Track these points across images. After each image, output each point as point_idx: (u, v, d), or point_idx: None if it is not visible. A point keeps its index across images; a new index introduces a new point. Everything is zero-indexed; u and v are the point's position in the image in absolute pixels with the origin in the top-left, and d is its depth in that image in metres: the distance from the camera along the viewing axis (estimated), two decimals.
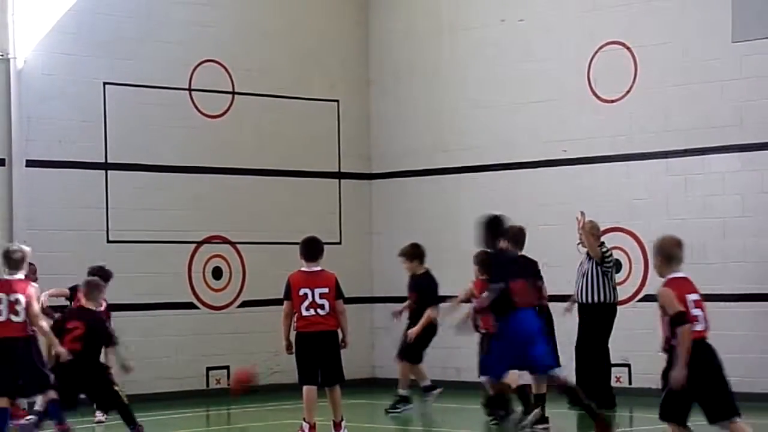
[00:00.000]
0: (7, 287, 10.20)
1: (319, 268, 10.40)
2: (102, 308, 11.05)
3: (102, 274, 11.49)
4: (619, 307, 13.15)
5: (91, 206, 14.08)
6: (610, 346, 12.98)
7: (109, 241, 13.99)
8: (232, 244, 14.99)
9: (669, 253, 8.30)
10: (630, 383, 13.89)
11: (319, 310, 10.22)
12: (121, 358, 10.53)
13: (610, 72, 14.20)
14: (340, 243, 15.70)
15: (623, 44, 14.12)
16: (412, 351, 12.65)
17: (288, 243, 15.43)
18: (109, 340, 10.54)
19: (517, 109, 14.97)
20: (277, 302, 15.19)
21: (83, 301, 10.65)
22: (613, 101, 14.21)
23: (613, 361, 13.20)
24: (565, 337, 13.06)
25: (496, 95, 15.16)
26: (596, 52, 14.32)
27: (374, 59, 16.33)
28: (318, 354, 10.29)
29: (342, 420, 10.43)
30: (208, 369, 14.69)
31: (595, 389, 12.80)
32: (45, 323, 10.25)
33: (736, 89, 13.30)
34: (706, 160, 13.50)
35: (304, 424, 10.36)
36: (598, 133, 14.28)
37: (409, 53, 16.01)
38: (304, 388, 10.35)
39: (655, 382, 13.71)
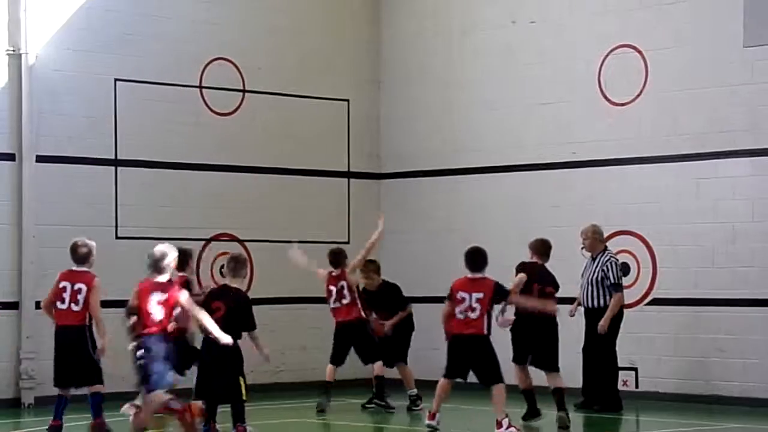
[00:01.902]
0: (73, 277, 10.49)
1: (480, 276, 10.82)
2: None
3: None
4: (626, 311, 13.14)
5: (100, 202, 14.09)
6: (617, 349, 12.97)
7: (117, 237, 14.01)
8: (241, 242, 15.00)
9: None
10: (637, 386, 13.87)
11: (470, 313, 10.70)
12: (258, 345, 10.14)
13: (621, 75, 14.18)
14: (348, 242, 15.68)
15: (634, 47, 14.10)
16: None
17: (296, 242, 15.45)
18: (249, 323, 10.11)
19: (528, 111, 14.96)
20: (285, 300, 15.32)
21: (227, 280, 10.41)
22: (623, 104, 14.19)
23: (620, 365, 13.19)
24: (572, 341, 13.06)
25: (507, 97, 15.15)
26: (607, 55, 14.31)
27: (385, 59, 16.33)
28: (465, 356, 10.80)
29: (505, 417, 10.65)
30: None
31: (602, 392, 12.79)
32: (100, 314, 10.28)
33: (747, 94, 13.27)
34: (717, 164, 13.47)
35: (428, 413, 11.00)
36: (608, 137, 14.26)
37: (420, 53, 16.01)
38: (441, 379, 10.90)
39: (662, 386, 13.78)
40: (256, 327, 10.27)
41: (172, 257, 9.84)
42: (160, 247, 9.83)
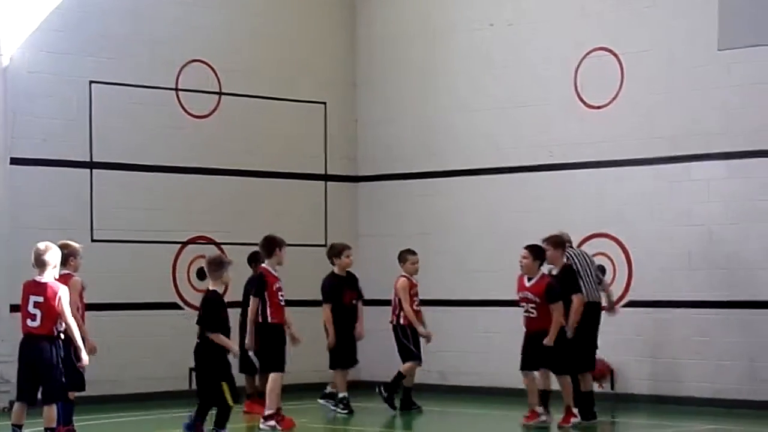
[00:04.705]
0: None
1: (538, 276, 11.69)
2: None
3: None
4: (602, 313, 13.17)
5: (75, 205, 14.02)
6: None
7: (93, 240, 13.92)
8: (217, 244, 14.95)
9: None
10: (612, 388, 13.91)
11: (530, 313, 11.64)
12: (224, 344, 10.11)
13: (597, 78, 14.22)
14: (325, 245, 15.65)
15: (610, 51, 14.15)
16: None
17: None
18: (205, 323, 10.10)
19: (504, 114, 14.97)
20: None
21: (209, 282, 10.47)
22: (599, 107, 14.23)
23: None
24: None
25: (484, 99, 15.16)
26: (583, 58, 14.35)
27: (361, 61, 16.33)
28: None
29: (570, 408, 11.60)
30: (191, 369, 14.53)
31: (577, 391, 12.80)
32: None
33: (722, 97, 13.34)
34: (692, 167, 13.52)
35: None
36: (584, 139, 14.30)
37: (397, 56, 16.01)
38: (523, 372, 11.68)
39: (638, 388, 13.82)
40: (213, 329, 10.15)
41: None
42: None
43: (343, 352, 12.77)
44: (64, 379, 9.63)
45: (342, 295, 12.80)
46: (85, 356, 9.72)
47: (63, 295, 9.54)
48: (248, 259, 13.10)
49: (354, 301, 12.89)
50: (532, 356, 11.58)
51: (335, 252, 12.99)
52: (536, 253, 11.59)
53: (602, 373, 13.40)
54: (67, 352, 10.03)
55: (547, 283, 11.57)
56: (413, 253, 13.10)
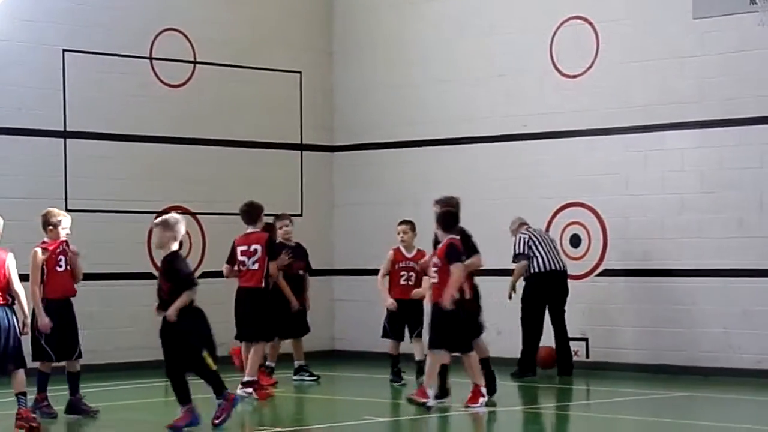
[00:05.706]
0: None
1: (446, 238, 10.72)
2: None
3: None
4: (577, 282, 13.28)
5: (49, 174, 13.96)
6: (567, 318, 13.13)
7: (67, 210, 13.79)
8: (193, 214, 14.93)
9: None
10: (588, 357, 13.99)
11: (433, 278, 10.72)
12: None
13: (573, 47, 14.22)
14: (301, 215, 15.66)
15: (586, 19, 14.14)
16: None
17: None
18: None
19: (480, 84, 14.96)
20: None
21: None
22: (574, 76, 14.24)
23: (570, 335, 13.33)
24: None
25: (459, 69, 15.14)
26: (559, 27, 14.34)
27: (337, 31, 16.27)
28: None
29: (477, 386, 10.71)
30: None
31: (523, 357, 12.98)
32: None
33: (697, 66, 13.36)
34: (666, 136, 13.57)
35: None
36: (560, 108, 14.31)
37: (373, 25, 15.96)
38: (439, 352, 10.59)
39: (613, 356, 13.91)
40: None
41: None
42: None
43: (291, 321, 12.69)
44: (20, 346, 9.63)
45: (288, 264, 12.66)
46: (27, 325, 9.73)
47: (11, 262, 9.59)
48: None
49: (301, 272, 12.85)
50: (447, 333, 10.59)
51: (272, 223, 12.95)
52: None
53: (547, 360, 13.38)
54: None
55: (448, 244, 10.66)
56: (401, 223, 12.75)
